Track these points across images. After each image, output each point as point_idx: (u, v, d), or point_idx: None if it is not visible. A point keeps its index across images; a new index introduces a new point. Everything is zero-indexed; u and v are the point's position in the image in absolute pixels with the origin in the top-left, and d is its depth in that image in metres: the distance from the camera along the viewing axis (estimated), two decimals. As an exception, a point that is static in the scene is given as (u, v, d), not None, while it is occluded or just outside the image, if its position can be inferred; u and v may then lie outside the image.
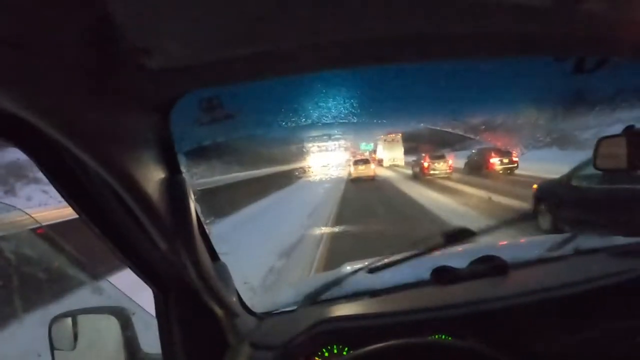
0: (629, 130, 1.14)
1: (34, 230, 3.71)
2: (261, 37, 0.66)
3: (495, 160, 15.72)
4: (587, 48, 0.86)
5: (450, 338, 1.07)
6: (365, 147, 38.19)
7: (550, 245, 1.67)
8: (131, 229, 0.84)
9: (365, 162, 21.42)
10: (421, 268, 1.45)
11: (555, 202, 5.95)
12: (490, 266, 1.38)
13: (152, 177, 0.78)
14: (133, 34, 0.58)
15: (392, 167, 28.09)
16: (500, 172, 15.28)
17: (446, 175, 17.33)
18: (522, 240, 1.94)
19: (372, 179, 19.55)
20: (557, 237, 1.80)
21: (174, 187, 0.83)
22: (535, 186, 6.72)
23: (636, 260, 1.42)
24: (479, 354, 0.99)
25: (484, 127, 20.23)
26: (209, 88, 0.89)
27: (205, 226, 1.04)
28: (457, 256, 1.52)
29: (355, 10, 0.60)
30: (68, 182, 0.75)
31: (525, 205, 7.74)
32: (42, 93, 0.51)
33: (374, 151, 35.29)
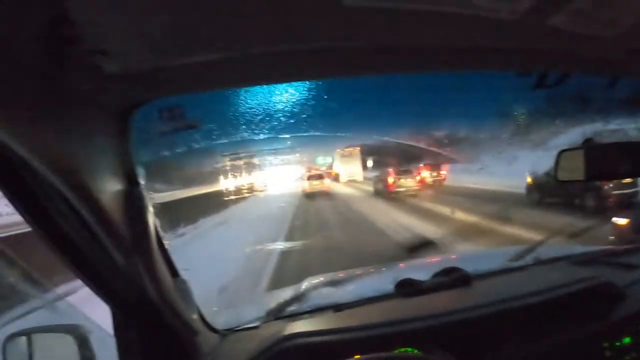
0: (586, 144, 1.26)
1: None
2: (227, 44, 0.68)
3: (425, 174, 18.09)
4: (550, 63, 0.96)
5: (417, 351, 1.13)
6: (322, 161, 38.30)
7: (511, 255, 1.82)
8: (87, 243, 0.84)
9: (319, 177, 22.26)
10: (384, 281, 1.53)
11: (542, 188, 10.50)
12: (453, 278, 1.49)
13: (109, 188, 0.79)
14: (91, 33, 0.59)
15: (350, 183, 28.18)
16: (430, 183, 17.65)
17: (414, 193, 16.46)
18: (484, 251, 2.07)
19: (326, 194, 19.85)
20: (518, 248, 1.93)
21: (132, 199, 0.85)
22: (530, 179, 11.31)
23: (595, 268, 1.58)
24: None
25: (447, 140, 20.88)
26: (170, 96, 0.93)
27: (164, 241, 1.06)
28: (420, 269, 1.61)
29: (321, 20, 0.65)
30: (19, 191, 0.75)
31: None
32: None
33: (331, 166, 35.45)
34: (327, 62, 0.82)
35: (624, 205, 9.06)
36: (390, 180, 16.94)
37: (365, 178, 27.79)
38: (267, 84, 0.98)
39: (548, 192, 10.61)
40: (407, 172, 17.64)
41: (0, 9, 0.48)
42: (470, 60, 0.88)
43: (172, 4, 0.58)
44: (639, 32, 0.76)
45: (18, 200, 0.76)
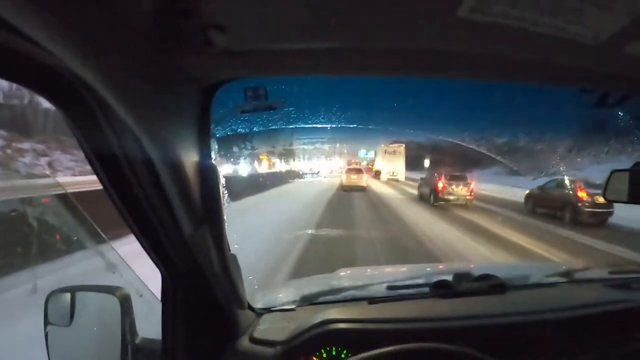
0: (633, 167, 1.30)
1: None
2: (328, 33, 0.74)
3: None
4: (615, 84, 1.01)
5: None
6: (364, 155, 37.72)
7: (546, 271, 1.89)
8: (158, 208, 0.89)
9: (358, 171, 22.93)
10: (418, 281, 1.63)
11: (535, 199, 13.86)
12: (488, 284, 1.54)
13: (188, 158, 0.86)
14: (209, 8, 0.63)
15: (390, 181, 27.75)
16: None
17: (464, 203, 15.08)
18: (519, 263, 2.13)
19: (363, 190, 20.43)
20: (553, 265, 1.97)
21: (208, 172, 0.92)
22: (527, 191, 14.48)
23: (630, 292, 1.62)
24: None
25: (506, 148, 20.04)
26: (263, 76, 1.01)
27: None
28: (453, 272, 1.65)
29: (411, 23, 0.71)
30: (99, 150, 0.79)
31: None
32: (102, 53, 0.57)
33: (373, 161, 34.84)
34: (421, 62, 0.87)
35: (596, 223, 11.15)
36: (440, 185, 15.18)
37: (407, 178, 27.38)
38: (359, 75, 1.06)
39: (538, 204, 13.65)
40: (459, 178, 15.60)
41: None
42: (541, 74, 0.94)
43: None
44: None
45: (97, 159, 0.80)
